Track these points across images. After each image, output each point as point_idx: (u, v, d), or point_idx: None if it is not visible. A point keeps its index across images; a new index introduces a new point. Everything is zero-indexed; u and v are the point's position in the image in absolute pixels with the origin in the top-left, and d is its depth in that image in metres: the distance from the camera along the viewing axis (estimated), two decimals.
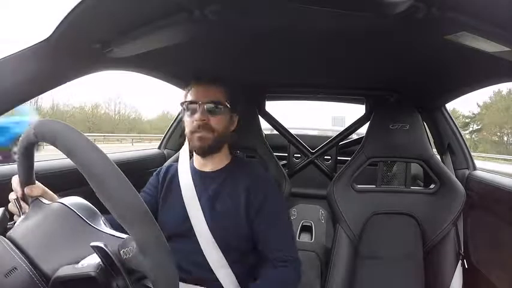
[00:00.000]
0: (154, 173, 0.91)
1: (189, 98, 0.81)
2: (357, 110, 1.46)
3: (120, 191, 0.33)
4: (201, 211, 0.78)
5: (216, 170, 0.84)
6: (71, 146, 0.34)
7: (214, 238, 0.76)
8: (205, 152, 0.81)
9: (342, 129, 1.46)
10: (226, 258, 0.77)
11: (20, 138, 0.42)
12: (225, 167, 0.85)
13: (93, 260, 0.36)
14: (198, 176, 0.83)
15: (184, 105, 0.82)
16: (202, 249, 0.76)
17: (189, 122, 0.80)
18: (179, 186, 0.83)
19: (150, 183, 0.90)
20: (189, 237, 0.77)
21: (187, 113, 0.81)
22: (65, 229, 0.41)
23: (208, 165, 0.85)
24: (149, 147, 1.51)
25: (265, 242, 0.78)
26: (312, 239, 1.19)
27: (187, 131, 0.82)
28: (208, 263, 0.75)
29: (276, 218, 0.79)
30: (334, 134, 1.47)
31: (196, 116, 0.78)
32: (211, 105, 0.79)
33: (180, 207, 0.80)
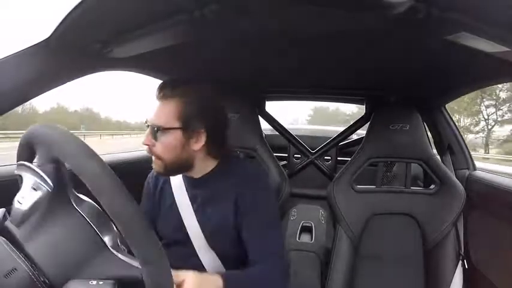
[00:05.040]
0: (145, 183, 0.87)
1: None
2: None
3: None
4: (195, 217, 0.76)
5: (203, 174, 0.77)
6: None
7: (208, 243, 0.76)
8: (163, 175, 0.77)
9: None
10: (223, 263, 0.77)
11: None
12: (213, 171, 0.77)
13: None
14: (188, 181, 0.79)
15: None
16: (198, 254, 0.76)
17: None
18: (171, 192, 0.80)
19: (144, 197, 0.86)
20: (186, 242, 0.77)
21: None
22: (77, 241, 0.41)
23: (191, 174, 0.77)
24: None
25: (249, 243, 0.74)
26: (312, 240, 1.19)
27: None
28: (205, 268, 0.76)
29: (262, 221, 0.74)
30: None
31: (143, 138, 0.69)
32: (155, 129, 0.68)
33: (175, 214, 0.78)
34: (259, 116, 1.25)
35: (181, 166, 0.73)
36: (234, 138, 1.08)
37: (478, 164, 1.21)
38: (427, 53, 0.74)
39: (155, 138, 0.68)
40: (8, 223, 0.41)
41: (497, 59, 0.58)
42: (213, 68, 0.99)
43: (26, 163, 0.41)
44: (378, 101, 1.29)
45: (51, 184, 0.40)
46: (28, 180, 0.41)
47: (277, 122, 1.43)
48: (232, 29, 0.63)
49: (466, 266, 1.01)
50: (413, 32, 0.59)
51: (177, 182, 0.80)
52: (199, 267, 0.75)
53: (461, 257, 1.02)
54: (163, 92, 0.70)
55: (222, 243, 0.76)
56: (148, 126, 0.69)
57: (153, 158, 0.71)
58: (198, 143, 0.70)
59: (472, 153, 1.24)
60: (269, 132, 1.52)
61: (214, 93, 0.74)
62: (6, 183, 0.75)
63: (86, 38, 0.59)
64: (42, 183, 0.40)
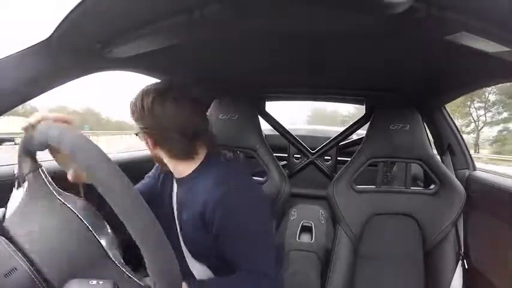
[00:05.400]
0: (154, 168, 0.90)
1: None
2: None
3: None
4: (177, 218, 0.77)
5: (184, 176, 0.76)
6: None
7: (186, 246, 0.76)
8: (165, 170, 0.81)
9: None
10: (207, 265, 0.76)
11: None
12: (193, 173, 0.75)
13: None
14: (177, 181, 0.79)
15: None
16: (185, 256, 0.76)
17: None
18: (170, 188, 0.81)
19: (149, 176, 0.89)
20: (176, 241, 0.77)
21: None
22: (74, 242, 0.41)
23: (174, 173, 0.78)
24: None
25: (231, 255, 0.70)
26: (312, 240, 1.19)
27: None
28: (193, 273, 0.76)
29: (242, 232, 0.69)
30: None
31: None
32: None
33: (171, 208, 0.79)
34: (259, 116, 1.25)
35: (160, 164, 0.79)
36: (234, 138, 1.09)
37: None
38: (427, 53, 0.74)
39: None
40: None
41: (497, 59, 0.58)
42: (213, 68, 0.99)
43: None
44: (378, 101, 1.29)
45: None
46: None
47: (277, 122, 1.43)
48: (232, 29, 0.63)
49: (466, 266, 1.01)
50: (413, 32, 0.59)
51: (174, 183, 0.81)
52: (187, 269, 0.75)
53: (461, 257, 1.02)
54: None
55: (197, 247, 0.74)
56: None
57: None
58: (149, 144, 0.74)
59: None
60: (269, 132, 1.52)
61: (159, 95, 0.69)
62: (6, 183, 0.75)
63: (86, 38, 0.59)
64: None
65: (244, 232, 0.69)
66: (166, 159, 0.75)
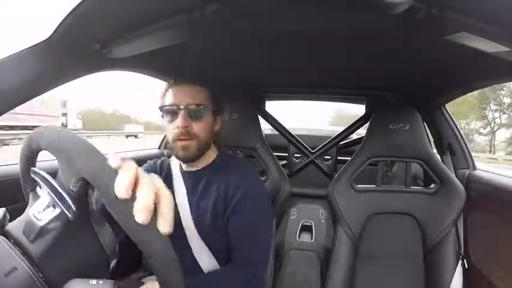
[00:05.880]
0: (152, 162, 0.89)
1: (168, 101, 0.74)
2: None
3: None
4: (189, 209, 0.77)
5: (202, 167, 0.81)
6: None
7: (200, 236, 0.76)
8: (190, 160, 0.77)
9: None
10: (216, 257, 0.77)
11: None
12: (211, 164, 0.81)
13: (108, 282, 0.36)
14: (187, 175, 0.82)
15: (163, 110, 0.75)
16: (192, 248, 0.77)
17: (170, 129, 0.73)
18: (171, 184, 0.82)
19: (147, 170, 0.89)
20: (181, 235, 0.77)
21: (166, 118, 0.74)
22: (75, 242, 0.41)
23: (194, 166, 0.81)
24: None
25: (231, 241, 0.75)
26: (312, 239, 1.19)
27: (169, 138, 0.75)
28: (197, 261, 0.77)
29: (245, 222, 0.74)
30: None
31: (178, 122, 0.71)
32: (194, 108, 0.72)
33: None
34: (259, 116, 1.25)
35: (207, 147, 0.78)
36: (234, 138, 1.09)
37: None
38: (427, 52, 0.74)
39: (194, 118, 0.73)
40: (20, 235, 0.39)
41: (497, 59, 0.58)
42: (213, 68, 0.99)
43: (47, 176, 0.39)
44: (378, 100, 1.29)
45: (74, 210, 0.37)
46: (47, 196, 0.39)
47: (277, 121, 1.43)
48: (232, 29, 0.63)
49: (466, 266, 1.01)
50: (414, 31, 0.59)
51: (177, 176, 0.82)
52: (193, 262, 0.76)
53: (461, 257, 1.02)
54: (187, 78, 0.76)
55: (213, 238, 0.76)
56: (179, 109, 0.72)
57: (181, 144, 0.73)
58: (217, 126, 0.80)
59: (480, 154, 1.23)
60: (269, 132, 1.52)
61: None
62: (6, 183, 0.75)
63: (86, 38, 0.59)
64: (64, 207, 0.37)
65: (255, 220, 0.74)
66: (211, 143, 0.80)
